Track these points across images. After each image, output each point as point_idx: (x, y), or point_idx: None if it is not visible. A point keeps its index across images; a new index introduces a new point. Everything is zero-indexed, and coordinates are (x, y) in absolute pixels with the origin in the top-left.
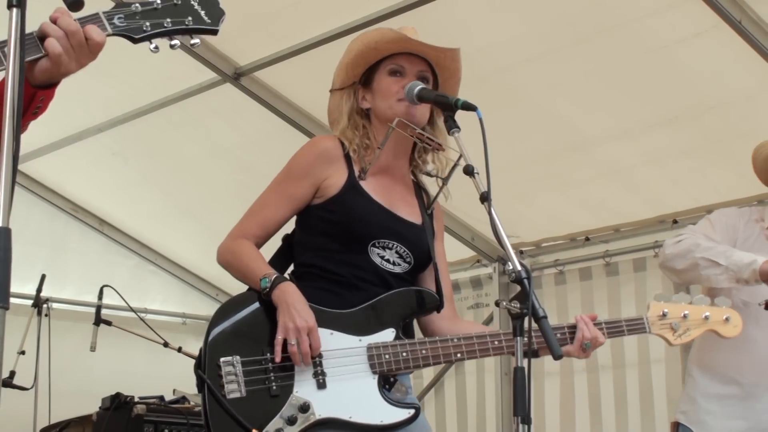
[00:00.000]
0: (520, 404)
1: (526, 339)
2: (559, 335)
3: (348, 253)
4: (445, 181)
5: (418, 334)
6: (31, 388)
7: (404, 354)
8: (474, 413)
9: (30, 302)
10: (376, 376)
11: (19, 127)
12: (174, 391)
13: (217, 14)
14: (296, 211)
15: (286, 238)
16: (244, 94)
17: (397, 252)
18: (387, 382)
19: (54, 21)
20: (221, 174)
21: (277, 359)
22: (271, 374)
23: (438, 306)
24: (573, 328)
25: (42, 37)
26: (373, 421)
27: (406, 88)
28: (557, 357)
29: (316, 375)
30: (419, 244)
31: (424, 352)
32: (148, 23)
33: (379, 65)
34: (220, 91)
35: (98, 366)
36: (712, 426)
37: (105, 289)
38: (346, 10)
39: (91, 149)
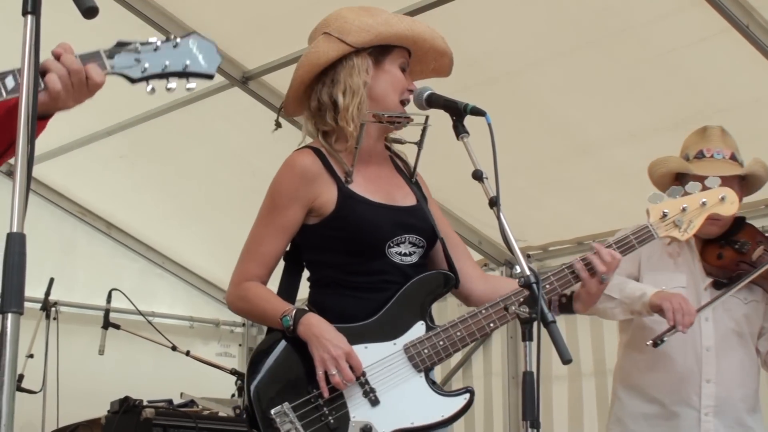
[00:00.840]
0: (529, 408)
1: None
2: (563, 276)
3: (369, 263)
4: (419, 146)
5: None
6: (40, 391)
7: (441, 343)
8: (481, 417)
9: (38, 306)
10: (422, 374)
11: (34, 134)
12: (182, 394)
13: (213, 59)
14: (291, 238)
15: (288, 257)
16: (252, 97)
17: (410, 243)
18: (433, 379)
19: (57, 57)
20: (229, 177)
21: (326, 395)
22: (324, 409)
23: (455, 282)
24: (588, 262)
25: (43, 71)
26: (435, 419)
27: (415, 93)
28: (566, 362)
29: (366, 394)
30: (424, 224)
31: (459, 334)
32: (147, 64)
33: (392, 50)
34: (228, 95)
35: (106, 369)
36: None
37: (113, 292)
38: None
39: (99, 153)
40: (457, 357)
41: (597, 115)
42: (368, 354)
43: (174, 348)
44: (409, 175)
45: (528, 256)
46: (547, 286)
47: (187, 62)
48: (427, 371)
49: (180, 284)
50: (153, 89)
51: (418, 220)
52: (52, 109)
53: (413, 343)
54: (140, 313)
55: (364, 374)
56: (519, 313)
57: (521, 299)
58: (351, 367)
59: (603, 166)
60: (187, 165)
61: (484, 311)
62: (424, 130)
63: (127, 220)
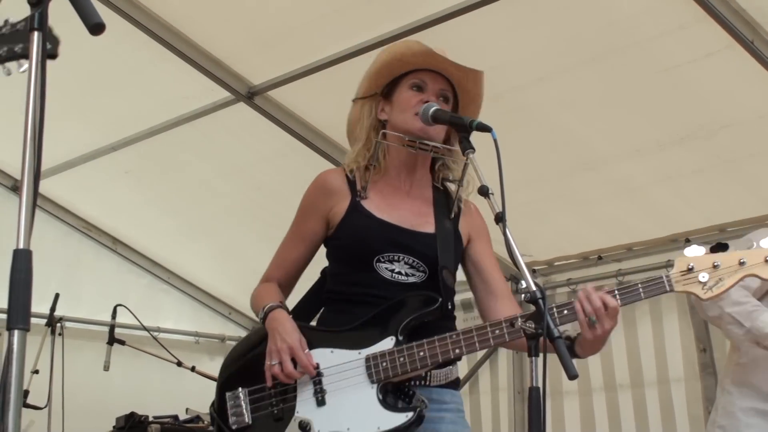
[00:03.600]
0: (535, 424)
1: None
2: (566, 312)
3: (356, 273)
4: (459, 183)
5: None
6: (45, 407)
7: (401, 359)
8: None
9: (44, 321)
10: (375, 386)
11: (41, 150)
12: (187, 410)
13: (54, 40)
14: (313, 247)
15: (324, 271)
16: (257, 113)
17: (406, 263)
18: (401, 393)
19: None
20: (234, 193)
21: (268, 383)
22: (273, 399)
23: (439, 306)
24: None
25: None
26: (370, 429)
27: (422, 109)
28: (572, 377)
29: (315, 393)
30: (428, 251)
31: (421, 353)
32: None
33: (403, 78)
34: (233, 110)
35: (112, 385)
36: None
37: (118, 308)
38: (358, 30)
39: (104, 168)
40: (463, 371)
41: (602, 130)
42: (332, 357)
43: (179, 363)
44: (449, 208)
45: (533, 271)
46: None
47: (17, 48)
48: (383, 384)
49: (186, 299)
50: (8, 71)
51: (420, 246)
52: None
53: (375, 355)
54: (145, 328)
55: (320, 375)
56: (525, 328)
57: (527, 315)
58: (298, 362)
59: (608, 180)
60: (192, 180)
61: (454, 336)
62: (464, 171)
63: (132, 236)
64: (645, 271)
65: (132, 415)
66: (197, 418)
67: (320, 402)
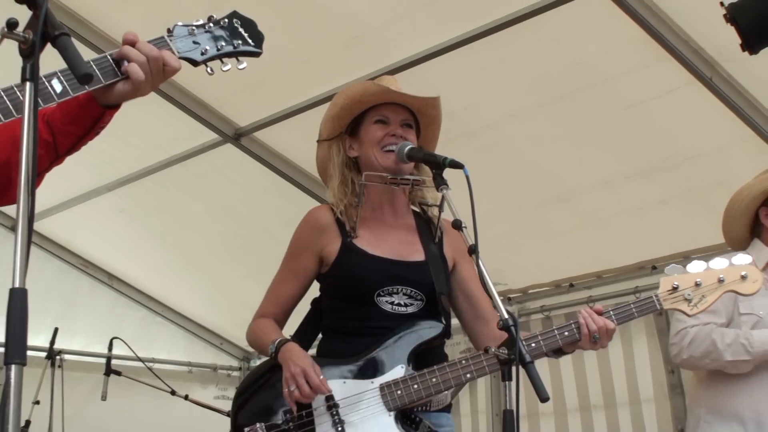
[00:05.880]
0: None
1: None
2: (566, 333)
3: (357, 308)
4: (440, 209)
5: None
6: None
7: (415, 386)
8: None
9: (44, 354)
10: (392, 413)
11: (34, 191)
12: None
13: (258, 37)
14: (307, 283)
15: (314, 302)
16: (244, 153)
17: (405, 294)
18: (409, 420)
19: (133, 45)
20: (224, 229)
21: (293, 408)
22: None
23: (444, 334)
24: (578, 324)
25: (119, 59)
26: None
27: (397, 148)
28: (543, 400)
29: (334, 424)
30: (423, 280)
31: (434, 380)
32: (206, 47)
33: (365, 115)
34: (221, 151)
35: (109, 414)
36: None
37: (114, 340)
38: (337, 74)
39: (100, 207)
40: None
41: (572, 164)
42: (345, 388)
43: (173, 392)
44: (433, 235)
45: (509, 299)
46: (555, 336)
47: (238, 42)
48: (400, 411)
49: (179, 331)
50: (212, 70)
51: (416, 275)
52: (131, 97)
53: (388, 384)
54: (140, 359)
55: (336, 406)
56: (498, 354)
57: (500, 343)
58: (310, 383)
59: (578, 212)
60: (183, 218)
61: (464, 362)
62: (443, 197)
63: (127, 271)
64: (615, 297)
65: None
66: None
67: (339, 431)
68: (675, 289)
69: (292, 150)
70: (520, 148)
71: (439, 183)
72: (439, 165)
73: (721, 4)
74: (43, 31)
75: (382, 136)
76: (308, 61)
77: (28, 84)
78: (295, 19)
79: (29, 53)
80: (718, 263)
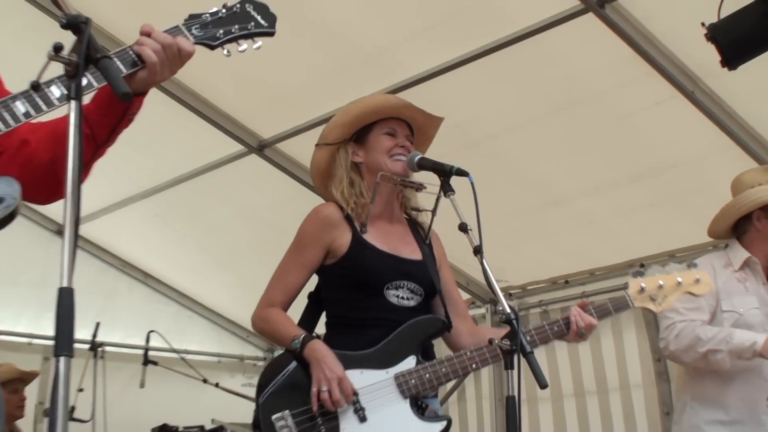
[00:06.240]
0: (512, 427)
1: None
2: (556, 328)
3: (367, 299)
4: (433, 212)
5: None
6: (89, 420)
7: (427, 375)
8: None
9: (87, 346)
10: (408, 400)
11: (79, 199)
12: (212, 420)
13: (271, 18)
14: (312, 273)
15: (311, 296)
16: (267, 162)
17: (408, 288)
18: (419, 406)
19: (148, 35)
20: (249, 232)
21: (314, 408)
22: (318, 419)
23: (447, 328)
24: (567, 320)
25: (139, 50)
26: None
27: (408, 158)
28: (543, 387)
29: (356, 411)
30: (424, 277)
31: (444, 369)
32: (220, 31)
33: (372, 126)
34: (246, 161)
35: (146, 400)
36: None
37: (151, 333)
38: (351, 91)
39: (136, 213)
40: (452, 383)
41: (566, 171)
42: (363, 378)
43: (205, 380)
44: (423, 237)
45: (509, 295)
46: (546, 330)
47: (250, 25)
48: (413, 398)
49: (209, 325)
50: (228, 52)
51: (417, 272)
52: (152, 83)
53: (403, 373)
54: (175, 351)
55: (356, 394)
56: (501, 345)
57: (503, 335)
58: (343, 392)
59: (572, 215)
60: (212, 221)
61: (469, 353)
62: (437, 200)
63: (161, 270)
64: (606, 293)
65: (164, 426)
66: (221, 428)
67: (362, 419)
68: (642, 289)
69: (311, 159)
70: (519, 157)
71: (447, 189)
72: (446, 173)
73: (703, 24)
74: (87, 54)
75: (392, 146)
76: (324, 79)
77: (73, 102)
78: (313, 41)
79: (74, 74)
80: (676, 268)
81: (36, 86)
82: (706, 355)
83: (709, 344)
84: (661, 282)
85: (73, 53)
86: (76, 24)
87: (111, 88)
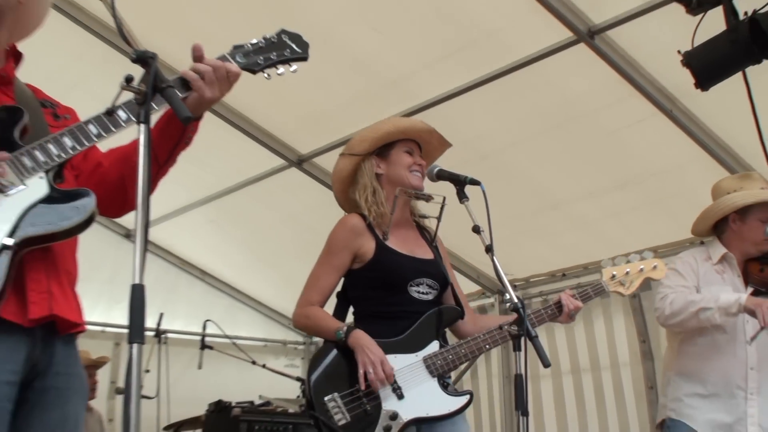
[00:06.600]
0: (519, 401)
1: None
2: (549, 312)
3: (393, 296)
4: (438, 219)
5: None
6: (155, 397)
7: (450, 356)
8: (486, 407)
9: (152, 333)
10: (435, 378)
11: (148, 209)
12: (260, 396)
13: (304, 45)
14: (342, 276)
15: (339, 295)
16: (305, 174)
17: (427, 285)
18: (444, 383)
19: (200, 59)
20: (290, 234)
21: (362, 388)
22: (363, 399)
23: (461, 315)
24: (558, 304)
25: (183, 73)
26: (443, 412)
27: (427, 170)
28: (546, 366)
29: (394, 390)
30: (439, 274)
31: (463, 350)
32: (261, 58)
33: (394, 144)
34: (287, 173)
35: (203, 379)
36: (696, 417)
37: (207, 322)
38: (378, 111)
39: (194, 219)
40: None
41: (563, 180)
42: (397, 361)
43: (253, 362)
44: (430, 239)
45: (514, 286)
46: (542, 314)
47: (287, 52)
48: (440, 377)
49: (256, 314)
50: (269, 76)
51: (433, 269)
52: (203, 103)
53: (429, 356)
54: (228, 337)
55: (393, 376)
56: (510, 330)
57: (512, 321)
58: (385, 372)
59: (568, 217)
60: (258, 226)
61: (482, 336)
62: (442, 209)
63: (215, 268)
64: None
65: (219, 401)
66: (268, 403)
67: (400, 396)
68: (613, 277)
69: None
70: (521, 167)
71: (462, 197)
72: (461, 182)
73: (679, 52)
74: (154, 84)
75: (411, 163)
76: (355, 101)
77: (142, 125)
78: (343, 70)
79: (143, 101)
80: (635, 258)
81: (110, 111)
82: (697, 313)
83: (700, 303)
84: (627, 269)
85: (142, 83)
86: (144, 58)
87: (170, 114)
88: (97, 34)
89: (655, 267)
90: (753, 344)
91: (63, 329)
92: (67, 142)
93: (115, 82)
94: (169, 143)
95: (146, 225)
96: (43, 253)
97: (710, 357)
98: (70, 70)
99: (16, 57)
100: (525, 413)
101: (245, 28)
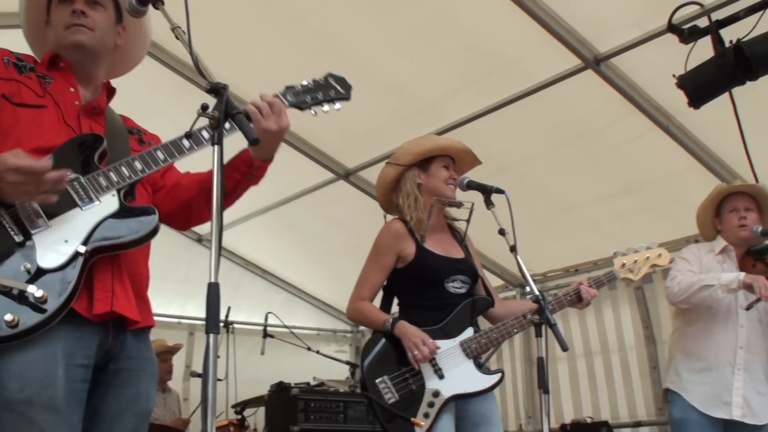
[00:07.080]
0: (541, 380)
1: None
2: (569, 298)
3: (432, 291)
4: (468, 222)
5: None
6: (224, 379)
7: (483, 341)
8: (510, 386)
9: (222, 324)
10: (471, 360)
11: (221, 218)
12: (314, 378)
13: (347, 87)
14: (388, 274)
15: (385, 288)
16: (352, 186)
17: (460, 280)
18: (479, 364)
19: (261, 98)
20: (338, 237)
21: (415, 367)
22: (410, 380)
23: (491, 305)
24: (576, 292)
25: (248, 108)
26: (479, 388)
27: (459, 181)
28: (564, 350)
29: (436, 371)
30: (470, 270)
31: (495, 335)
32: (308, 97)
33: (434, 158)
34: (336, 185)
35: (266, 364)
36: (691, 390)
37: (268, 314)
38: (414, 129)
39: (255, 225)
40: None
41: (574, 187)
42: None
43: (308, 348)
44: (461, 239)
45: (534, 281)
46: (562, 300)
47: (331, 92)
48: (475, 358)
49: (310, 307)
50: (315, 113)
51: (465, 267)
52: (266, 140)
53: (465, 341)
54: (286, 326)
55: (434, 358)
56: (533, 319)
57: (534, 311)
58: (428, 346)
59: (580, 220)
60: (311, 230)
61: (510, 322)
62: (470, 213)
63: (275, 267)
64: None
65: (280, 383)
66: (321, 384)
67: (441, 376)
68: (624, 265)
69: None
70: (538, 177)
71: (489, 204)
72: (488, 191)
73: (674, 75)
74: (225, 111)
75: (448, 177)
76: (393, 122)
77: (216, 147)
78: (384, 94)
79: (216, 126)
80: (642, 247)
81: (189, 135)
82: (701, 289)
83: (703, 281)
84: (636, 258)
85: (215, 110)
86: (217, 89)
87: (238, 153)
88: (173, 68)
89: (660, 255)
90: (744, 328)
91: (129, 324)
92: (138, 165)
93: (188, 111)
94: (235, 174)
95: (220, 231)
96: (112, 259)
97: (706, 337)
98: (150, 100)
99: (109, 91)
100: (546, 391)
101: (301, 64)
